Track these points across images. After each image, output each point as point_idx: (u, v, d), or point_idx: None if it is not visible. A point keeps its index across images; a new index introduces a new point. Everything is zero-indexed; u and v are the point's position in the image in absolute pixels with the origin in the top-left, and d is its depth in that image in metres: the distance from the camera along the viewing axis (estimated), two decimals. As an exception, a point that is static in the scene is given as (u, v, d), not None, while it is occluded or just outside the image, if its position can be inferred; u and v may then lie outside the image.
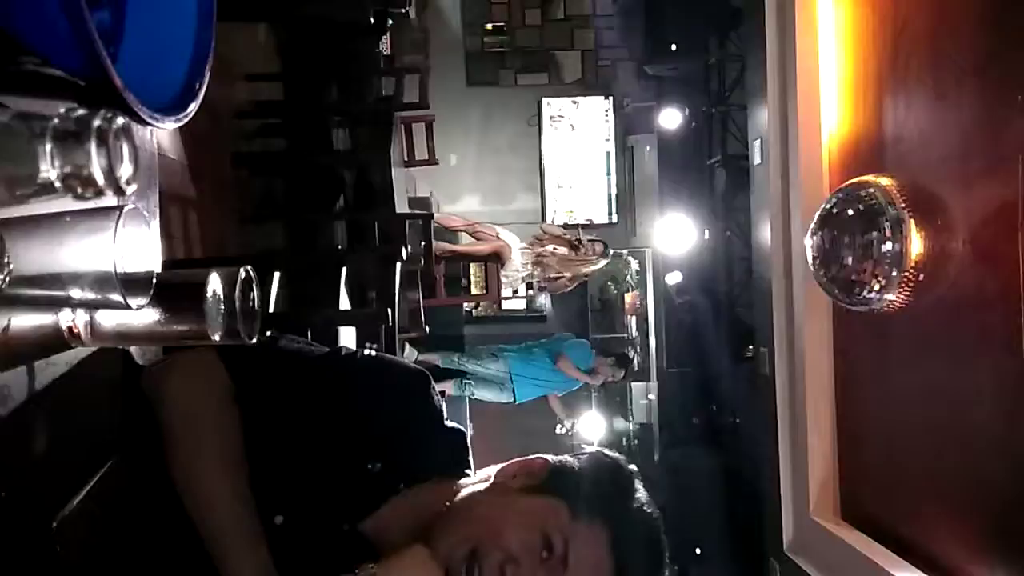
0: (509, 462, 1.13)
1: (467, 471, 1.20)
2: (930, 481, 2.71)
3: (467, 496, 1.09)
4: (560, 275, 6.46)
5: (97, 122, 0.57)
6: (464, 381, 6.56)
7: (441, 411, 1.25)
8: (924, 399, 2.71)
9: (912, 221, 2.31)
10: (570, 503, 1.05)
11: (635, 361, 7.18)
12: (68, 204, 0.61)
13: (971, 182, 2.36)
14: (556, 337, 6.79)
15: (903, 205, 2.32)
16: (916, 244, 2.31)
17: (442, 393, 6.30)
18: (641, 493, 1.12)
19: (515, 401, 6.60)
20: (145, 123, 0.66)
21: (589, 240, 6.52)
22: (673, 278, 6.41)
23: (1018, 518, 2.23)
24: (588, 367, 6.53)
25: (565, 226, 7.20)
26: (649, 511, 1.12)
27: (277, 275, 2.19)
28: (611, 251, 6.61)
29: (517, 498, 1.06)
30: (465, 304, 7.37)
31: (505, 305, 7.43)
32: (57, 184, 0.57)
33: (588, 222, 6.72)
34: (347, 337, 2.97)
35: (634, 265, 7.42)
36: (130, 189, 0.60)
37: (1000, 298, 2.22)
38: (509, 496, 1.07)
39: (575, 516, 1.03)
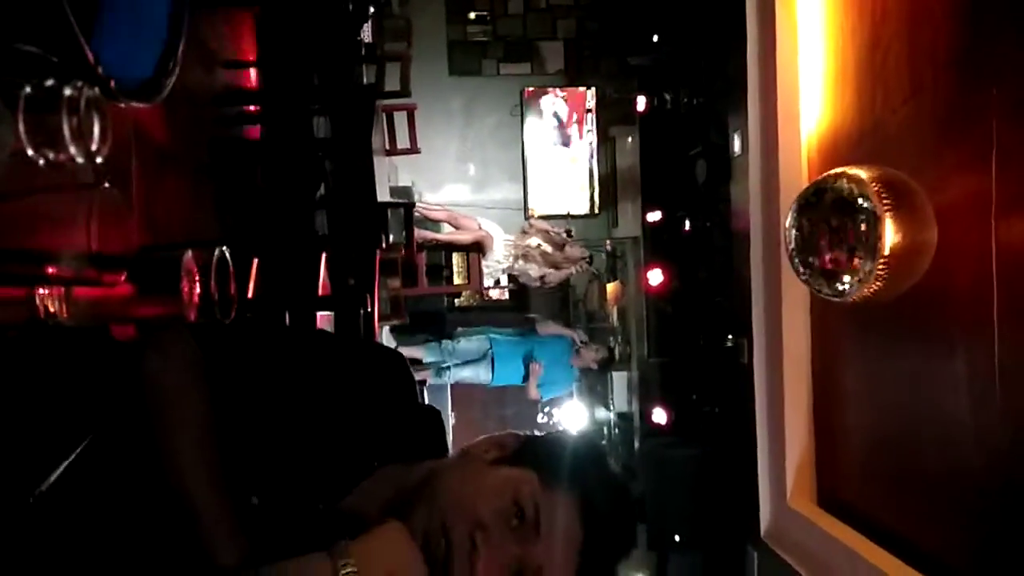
0: (480, 438, 1.15)
1: (444, 451, 1.21)
2: (906, 468, 2.75)
3: (439, 470, 1.09)
4: (543, 272, 6.51)
5: (68, 91, 0.58)
6: (442, 368, 6.53)
7: (416, 390, 1.25)
8: (900, 387, 2.74)
9: (887, 212, 2.33)
10: (540, 472, 1.06)
11: (616, 351, 7.23)
12: (42, 175, 0.62)
13: (946, 174, 2.39)
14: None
15: (879, 196, 2.35)
16: (891, 234, 2.34)
17: (422, 382, 6.29)
18: (611, 466, 1.14)
19: (491, 381, 6.55)
20: (118, 101, 0.67)
21: (575, 243, 6.63)
22: (655, 277, 6.45)
23: (992, 503, 2.27)
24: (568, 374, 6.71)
25: (546, 217, 7.23)
26: (619, 483, 1.13)
27: (256, 260, 2.19)
28: (593, 266, 6.78)
29: (488, 469, 1.07)
30: (448, 293, 7.38)
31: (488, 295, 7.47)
32: (30, 151, 0.58)
33: (570, 230, 6.82)
34: (326, 324, 2.98)
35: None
36: (99, 157, 0.61)
37: (974, 287, 2.26)
38: (480, 467, 1.08)
39: (546, 484, 1.05)
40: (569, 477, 1.06)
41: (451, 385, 6.79)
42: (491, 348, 6.54)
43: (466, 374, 6.56)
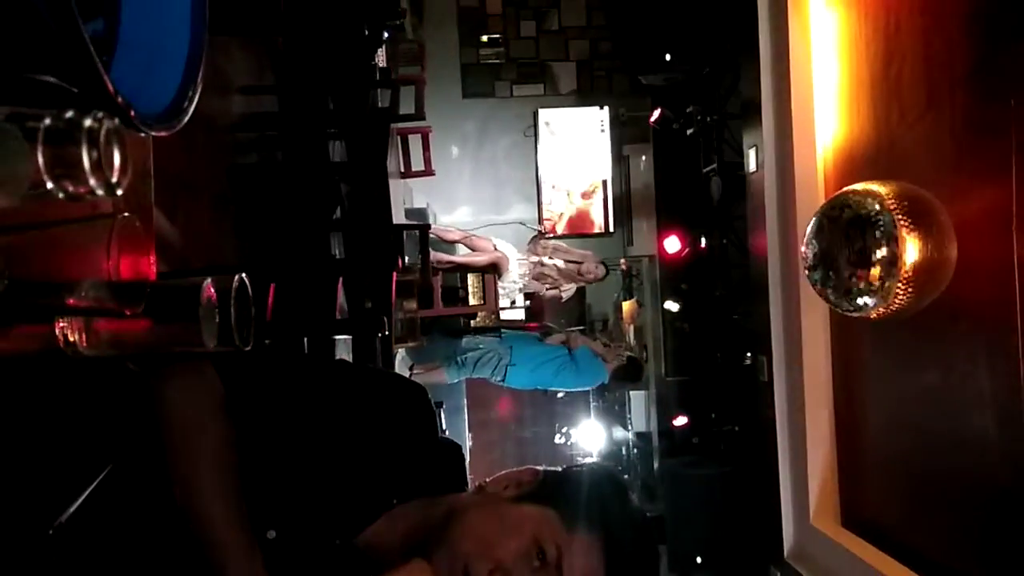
0: (499, 474, 1.13)
1: (463, 486, 1.19)
2: (930, 486, 2.71)
3: (459, 508, 1.08)
4: (556, 285, 6.48)
5: (88, 122, 0.58)
6: (459, 358, 6.34)
7: (437, 425, 1.24)
8: (923, 404, 2.71)
9: (906, 227, 2.31)
10: (561, 512, 1.04)
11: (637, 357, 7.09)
12: (60, 206, 0.61)
13: (965, 187, 2.37)
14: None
15: (897, 211, 2.32)
16: (910, 250, 2.31)
17: (439, 404, 6.23)
18: (633, 503, 1.12)
19: (503, 380, 6.33)
20: (138, 130, 0.67)
21: (592, 263, 6.60)
22: (672, 306, 6.42)
23: (1018, 520, 2.23)
24: (598, 379, 6.56)
25: (561, 237, 7.24)
26: (641, 521, 1.12)
27: (273, 285, 2.19)
28: (608, 269, 6.74)
29: (508, 507, 1.06)
30: (463, 315, 7.35)
31: (503, 316, 7.44)
32: (49, 184, 0.58)
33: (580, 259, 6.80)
34: (343, 347, 2.98)
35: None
36: (120, 189, 0.61)
37: (997, 302, 2.23)
38: (500, 506, 1.07)
39: (567, 524, 1.03)
40: (590, 515, 1.05)
41: (467, 407, 6.69)
42: (508, 339, 6.40)
43: (484, 354, 6.29)
